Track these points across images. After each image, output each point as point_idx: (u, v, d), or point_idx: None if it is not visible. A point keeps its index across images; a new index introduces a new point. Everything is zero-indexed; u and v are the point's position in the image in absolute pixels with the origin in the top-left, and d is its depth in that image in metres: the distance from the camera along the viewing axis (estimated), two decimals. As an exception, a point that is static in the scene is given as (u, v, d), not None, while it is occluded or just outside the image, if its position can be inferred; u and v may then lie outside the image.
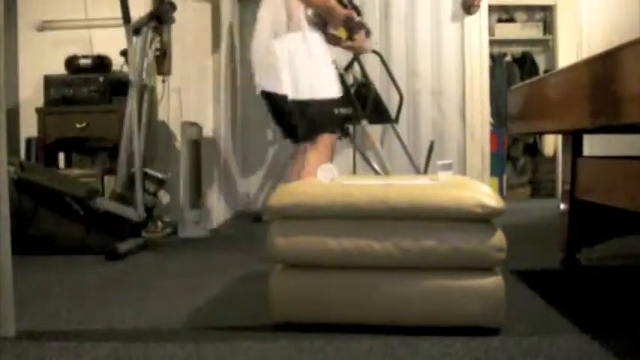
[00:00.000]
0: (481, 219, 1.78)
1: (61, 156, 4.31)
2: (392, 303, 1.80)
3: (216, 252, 3.39)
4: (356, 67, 4.63)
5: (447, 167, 2.07)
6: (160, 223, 4.01)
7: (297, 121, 3.10)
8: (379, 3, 5.35)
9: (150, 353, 1.68)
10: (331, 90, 3.13)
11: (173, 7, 3.68)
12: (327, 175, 2.03)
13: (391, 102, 4.90)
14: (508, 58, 6.65)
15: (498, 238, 1.77)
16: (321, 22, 3.19)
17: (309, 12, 3.12)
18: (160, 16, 3.59)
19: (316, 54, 3.10)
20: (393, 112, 4.74)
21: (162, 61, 4.00)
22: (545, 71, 6.40)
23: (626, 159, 2.39)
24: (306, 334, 1.78)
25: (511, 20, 6.71)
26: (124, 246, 3.24)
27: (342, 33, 3.29)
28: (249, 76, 5.32)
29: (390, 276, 1.82)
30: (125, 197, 3.49)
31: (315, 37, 3.12)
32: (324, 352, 1.66)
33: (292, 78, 3.06)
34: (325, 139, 3.10)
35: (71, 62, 4.16)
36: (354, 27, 3.29)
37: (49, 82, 4.11)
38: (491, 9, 5.85)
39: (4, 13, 1.88)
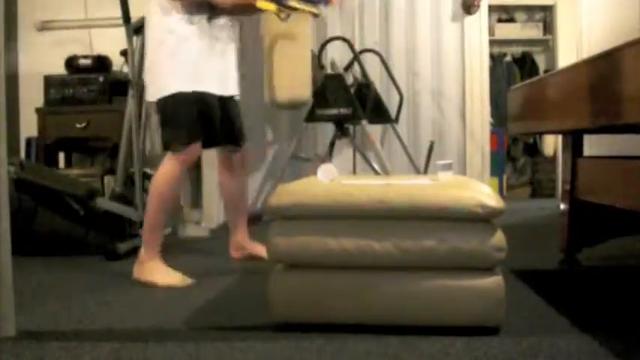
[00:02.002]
0: (481, 219, 1.78)
1: (61, 156, 4.32)
2: (392, 303, 1.80)
3: (216, 252, 3.39)
4: (356, 67, 4.63)
5: (447, 167, 2.07)
6: (159, 223, 4.00)
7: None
8: (379, 3, 5.34)
9: (150, 353, 1.68)
10: (181, 85, 2.60)
11: (173, 7, 3.67)
12: (327, 176, 2.02)
13: (391, 102, 4.89)
14: (508, 58, 6.65)
15: (498, 238, 1.77)
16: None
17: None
18: (160, 16, 3.59)
19: (182, 44, 2.59)
20: (393, 112, 4.74)
21: (162, 61, 3.99)
22: (545, 71, 6.40)
23: (626, 159, 2.39)
24: (306, 334, 1.78)
25: (511, 20, 6.71)
26: (124, 246, 3.24)
27: (267, 6, 2.70)
28: (248, 76, 5.34)
29: (390, 276, 1.82)
30: (125, 197, 3.49)
31: (183, 23, 2.59)
32: (324, 352, 1.66)
33: (150, 77, 2.70)
34: (182, 151, 2.62)
35: (71, 62, 4.16)
36: None
37: (49, 82, 4.11)
38: (491, 9, 5.85)
39: (4, 13, 1.88)
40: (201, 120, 2.64)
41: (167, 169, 2.63)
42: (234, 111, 2.84)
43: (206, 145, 2.73)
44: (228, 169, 2.89)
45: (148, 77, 2.72)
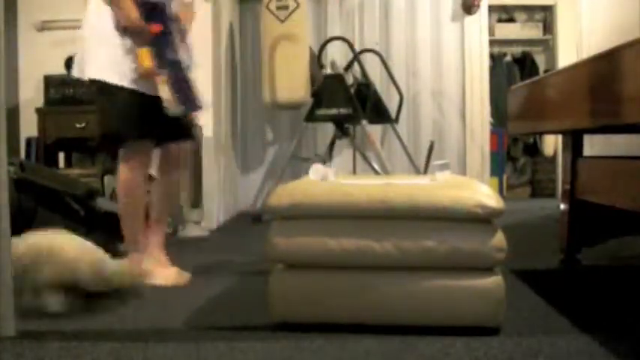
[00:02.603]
0: (481, 219, 1.78)
1: (61, 156, 4.32)
2: (392, 303, 1.80)
3: (216, 252, 3.39)
4: (356, 67, 4.63)
5: (444, 167, 2.07)
6: (159, 223, 4.00)
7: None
8: (379, 3, 5.35)
9: (150, 353, 1.68)
10: (121, 79, 2.48)
11: (173, 7, 3.66)
12: (317, 175, 2.02)
13: (391, 102, 4.90)
14: (508, 58, 6.64)
15: (498, 238, 1.77)
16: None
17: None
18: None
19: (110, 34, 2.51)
20: (393, 112, 4.75)
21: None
22: (545, 71, 6.39)
23: (626, 159, 2.39)
24: (306, 334, 1.78)
25: (511, 20, 6.71)
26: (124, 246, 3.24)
27: (147, 62, 2.38)
28: (249, 75, 5.34)
29: (390, 276, 1.82)
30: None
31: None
32: (324, 352, 1.66)
33: (89, 55, 2.60)
34: (134, 149, 2.51)
35: (71, 62, 4.16)
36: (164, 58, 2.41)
37: (49, 82, 4.11)
38: (491, 9, 5.85)
39: (4, 13, 1.88)
40: (149, 117, 2.50)
41: (124, 179, 2.54)
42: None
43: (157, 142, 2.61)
44: (167, 167, 2.72)
45: (89, 54, 2.57)
